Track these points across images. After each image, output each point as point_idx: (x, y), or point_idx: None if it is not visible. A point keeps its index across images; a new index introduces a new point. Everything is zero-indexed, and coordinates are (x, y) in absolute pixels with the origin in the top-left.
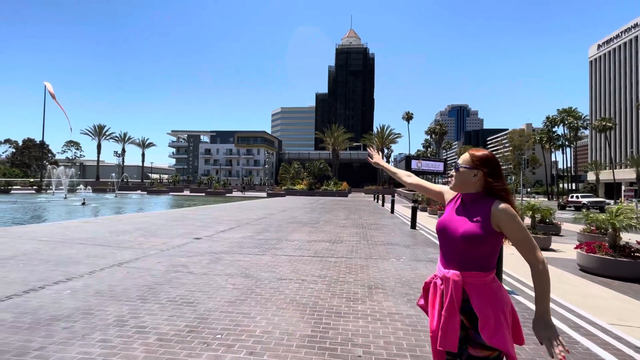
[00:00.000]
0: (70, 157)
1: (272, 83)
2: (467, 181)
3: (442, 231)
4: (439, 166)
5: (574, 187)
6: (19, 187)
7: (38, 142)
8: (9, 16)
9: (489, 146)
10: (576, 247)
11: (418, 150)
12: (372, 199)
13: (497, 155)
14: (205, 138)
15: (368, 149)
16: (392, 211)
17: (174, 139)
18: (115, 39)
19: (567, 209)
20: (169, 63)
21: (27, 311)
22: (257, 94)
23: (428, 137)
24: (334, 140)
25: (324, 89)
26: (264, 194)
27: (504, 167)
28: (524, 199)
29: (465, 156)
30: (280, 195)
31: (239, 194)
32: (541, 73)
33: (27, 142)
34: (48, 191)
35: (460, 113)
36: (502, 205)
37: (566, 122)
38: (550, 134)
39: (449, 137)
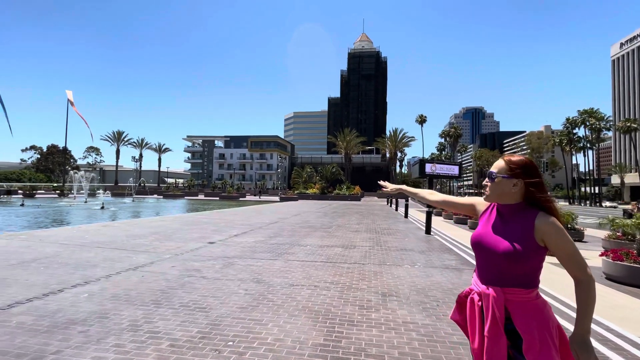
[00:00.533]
0: (91, 163)
1: (284, 88)
2: (505, 192)
3: (478, 245)
4: (454, 169)
5: (596, 191)
6: (43, 191)
7: (61, 148)
8: (32, 23)
9: (505, 149)
10: (601, 255)
11: (432, 154)
12: (386, 203)
13: None
14: (219, 143)
15: (380, 183)
16: (406, 216)
17: (189, 144)
18: (133, 45)
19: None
20: (185, 69)
21: (46, 314)
22: (270, 99)
23: (442, 140)
24: (346, 144)
25: (336, 93)
26: (277, 198)
27: None
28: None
29: (501, 163)
30: (292, 199)
31: (252, 198)
32: (559, 74)
33: (51, 148)
34: (70, 195)
35: (475, 115)
36: (548, 219)
37: (587, 124)
38: (570, 136)
39: (464, 140)
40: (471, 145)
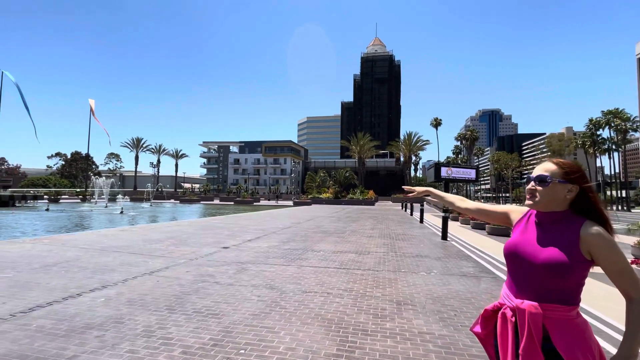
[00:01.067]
0: (112, 168)
1: (298, 93)
2: (557, 198)
3: (514, 256)
4: (471, 173)
5: (624, 195)
6: (67, 196)
7: (84, 154)
8: (55, 30)
9: (524, 152)
10: (632, 262)
11: (448, 157)
12: (400, 207)
13: (533, 162)
14: (234, 148)
15: (404, 188)
16: (422, 221)
17: (205, 149)
18: (151, 53)
19: None
20: (201, 76)
21: (64, 318)
22: (284, 104)
23: (458, 143)
24: (360, 148)
25: (349, 97)
26: (290, 203)
27: None
28: None
29: (552, 167)
30: (306, 203)
31: (266, 202)
32: (580, 74)
33: (75, 154)
34: (91, 200)
35: (492, 118)
36: (596, 229)
37: (612, 125)
38: (594, 138)
39: (481, 143)
40: (488, 148)
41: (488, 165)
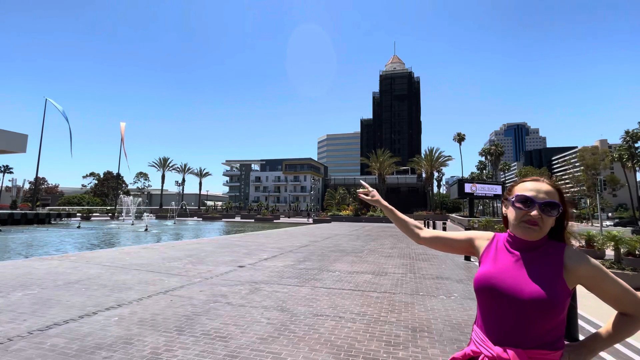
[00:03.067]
0: (140, 187)
1: (317, 112)
2: (550, 226)
3: (490, 291)
4: (496, 189)
5: None
6: (98, 214)
7: (115, 174)
8: (88, 51)
9: (554, 166)
10: None
11: (472, 173)
12: (423, 225)
13: (566, 177)
14: (255, 167)
15: (362, 182)
16: None
17: (228, 168)
18: (176, 77)
19: None
20: (225, 96)
21: (77, 337)
22: (304, 122)
23: (482, 158)
24: (380, 165)
25: (368, 114)
26: (310, 220)
27: (575, 190)
28: (604, 226)
29: (551, 189)
30: (325, 221)
31: (286, 219)
32: (613, 84)
33: (107, 174)
34: (120, 218)
35: (517, 132)
36: (579, 256)
37: None
38: (632, 150)
39: (506, 158)
40: (515, 163)
41: (516, 180)
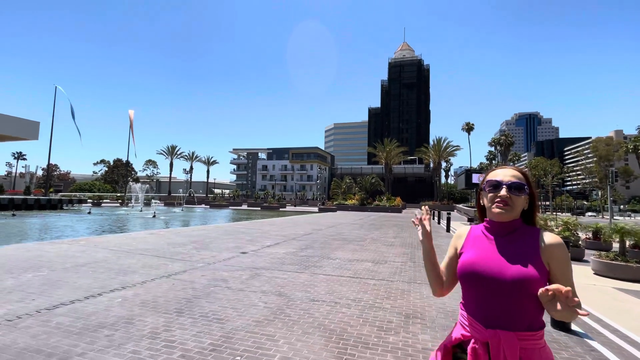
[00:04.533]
0: (149, 175)
1: (325, 100)
2: (522, 208)
3: (475, 276)
4: None
5: None
6: (108, 200)
7: (125, 161)
8: (99, 41)
9: (566, 157)
10: None
11: (481, 163)
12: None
13: (577, 168)
14: (262, 155)
15: (422, 209)
16: (448, 229)
17: (235, 156)
18: (190, 64)
19: None
20: (232, 84)
21: (81, 316)
22: (311, 111)
23: (492, 148)
24: (387, 154)
25: (376, 103)
26: (316, 209)
27: (587, 181)
28: (614, 218)
29: (518, 173)
30: (331, 210)
31: (292, 208)
32: (631, 73)
33: (117, 161)
34: (129, 205)
35: (529, 122)
36: (556, 239)
37: None
38: None
39: (517, 149)
40: (525, 154)
41: (526, 171)
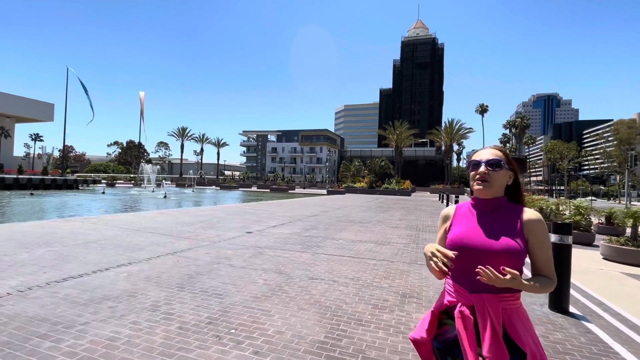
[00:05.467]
0: (162, 156)
1: (335, 81)
2: (503, 184)
3: (464, 248)
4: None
5: None
6: (122, 181)
7: (137, 143)
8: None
9: (585, 140)
10: None
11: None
12: (437, 198)
13: (597, 151)
14: (272, 137)
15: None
16: None
17: (245, 138)
18: (197, 47)
19: None
20: (241, 66)
21: (88, 289)
22: (322, 92)
23: (506, 131)
24: (397, 137)
25: (388, 84)
26: (325, 192)
27: (606, 165)
28: (631, 203)
29: (498, 152)
30: (339, 192)
31: (301, 190)
32: None
33: (129, 143)
34: (142, 185)
35: (547, 103)
36: (536, 215)
37: None
38: None
39: (534, 131)
40: (542, 137)
41: (541, 155)
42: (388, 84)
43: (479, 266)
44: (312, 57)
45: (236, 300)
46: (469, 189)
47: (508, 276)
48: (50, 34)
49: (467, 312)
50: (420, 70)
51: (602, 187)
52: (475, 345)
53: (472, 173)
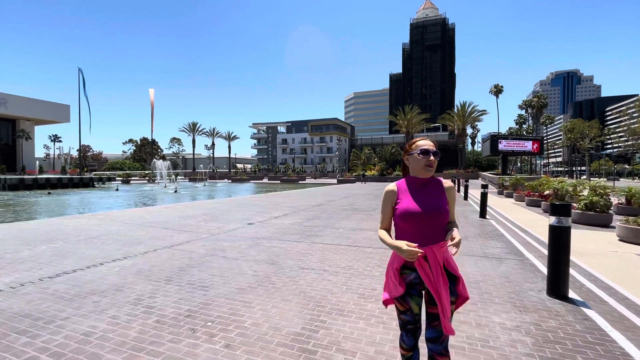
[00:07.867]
0: (175, 152)
1: (344, 69)
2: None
3: (415, 214)
4: (526, 145)
5: None
6: (137, 178)
7: (150, 140)
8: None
9: (607, 118)
10: None
11: (510, 128)
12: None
13: (620, 128)
14: (282, 129)
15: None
16: (466, 197)
17: (255, 131)
18: (202, 43)
19: None
20: (249, 58)
21: (77, 284)
22: (330, 81)
23: (522, 112)
24: (408, 122)
25: (397, 69)
26: (335, 181)
27: (630, 143)
28: None
29: (434, 143)
30: (349, 181)
31: (312, 180)
32: None
33: (143, 140)
34: (156, 181)
35: (567, 81)
36: (450, 183)
37: None
38: None
39: (552, 111)
40: (560, 116)
41: (560, 135)
42: (398, 68)
43: (449, 244)
44: (320, 46)
45: (220, 292)
46: (485, 173)
47: (457, 238)
48: (62, 36)
49: (422, 261)
50: (430, 52)
51: (627, 166)
52: (433, 279)
53: (421, 159)
